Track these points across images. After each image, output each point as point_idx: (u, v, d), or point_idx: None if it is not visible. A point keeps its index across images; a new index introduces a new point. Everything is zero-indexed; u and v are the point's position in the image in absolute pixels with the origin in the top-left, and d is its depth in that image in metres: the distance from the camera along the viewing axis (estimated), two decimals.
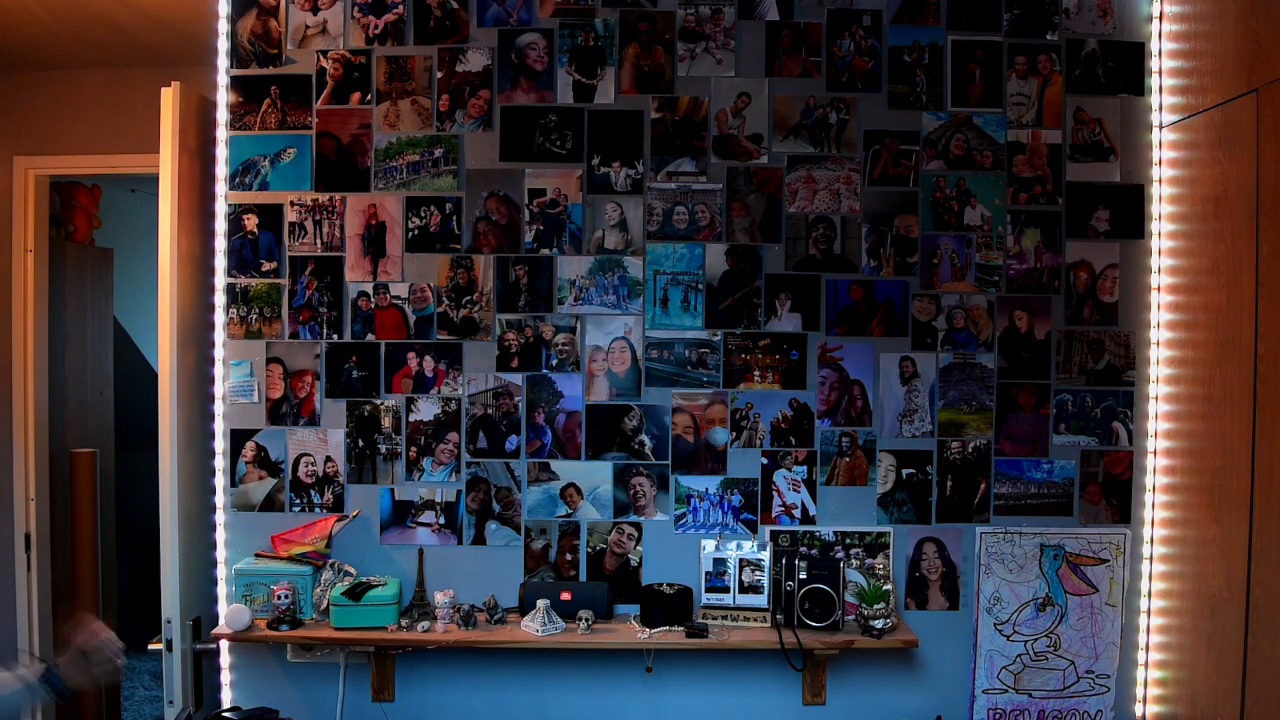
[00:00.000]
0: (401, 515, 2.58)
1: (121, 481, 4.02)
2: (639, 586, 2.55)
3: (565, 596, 2.43)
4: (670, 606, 2.43)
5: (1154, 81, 2.57)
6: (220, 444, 2.58)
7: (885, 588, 2.45)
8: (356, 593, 2.39)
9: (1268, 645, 2.05)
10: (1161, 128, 2.56)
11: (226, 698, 2.57)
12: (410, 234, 2.58)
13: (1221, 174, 2.28)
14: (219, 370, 2.59)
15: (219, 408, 2.59)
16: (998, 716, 2.57)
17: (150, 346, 4.63)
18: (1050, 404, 2.57)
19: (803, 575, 2.43)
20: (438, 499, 2.58)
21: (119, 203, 4.41)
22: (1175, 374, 2.49)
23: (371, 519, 2.59)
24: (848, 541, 2.57)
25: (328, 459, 2.58)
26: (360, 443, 2.58)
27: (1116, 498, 2.57)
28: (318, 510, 2.58)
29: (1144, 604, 2.56)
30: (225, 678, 2.57)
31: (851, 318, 2.57)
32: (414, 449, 2.58)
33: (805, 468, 2.57)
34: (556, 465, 2.58)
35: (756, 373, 2.57)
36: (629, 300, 2.57)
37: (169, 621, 2.51)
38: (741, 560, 2.50)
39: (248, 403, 2.59)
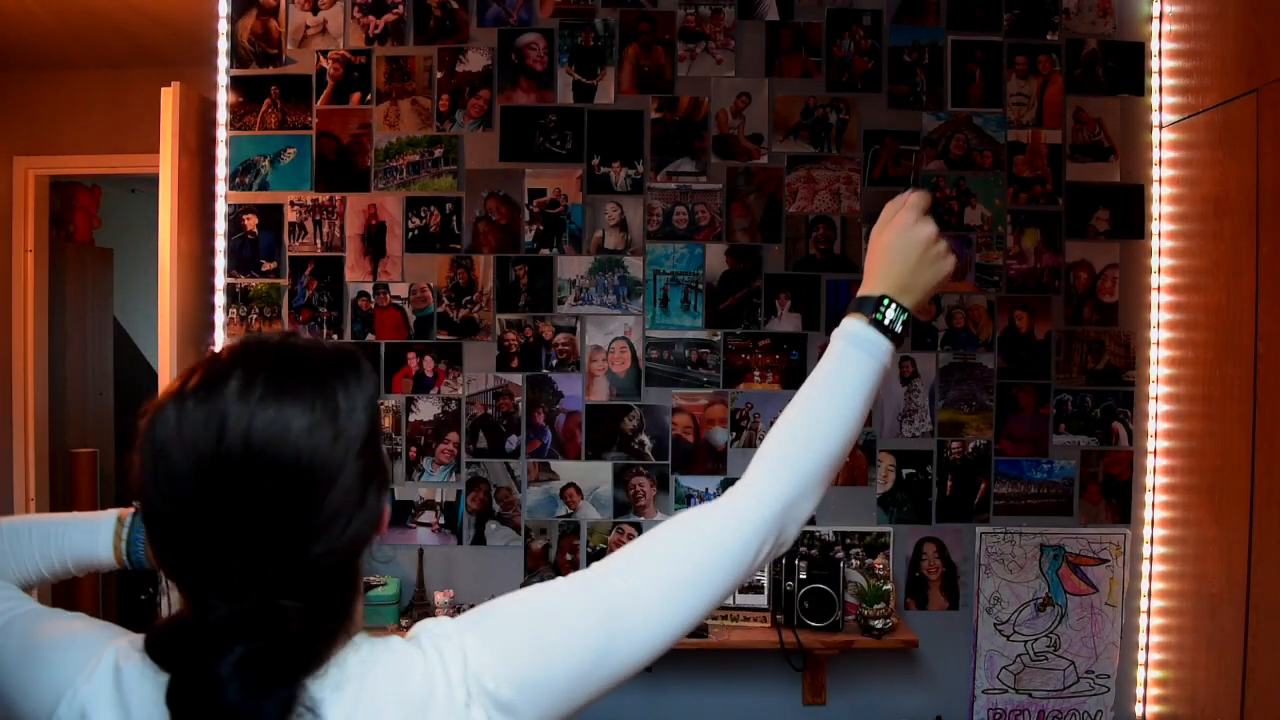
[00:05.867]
0: (401, 515, 2.58)
1: (121, 481, 4.02)
2: None
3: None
4: None
5: (1154, 81, 2.57)
6: None
7: (885, 588, 2.45)
8: None
9: (1268, 645, 2.05)
10: (1161, 128, 2.56)
11: None
12: (410, 234, 2.58)
13: (1221, 174, 2.28)
14: None
15: None
16: (998, 716, 2.57)
17: (150, 346, 4.63)
18: (1050, 404, 2.57)
19: (802, 575, 2.43)
20: (438, 499, 2.58)
21: (119, 203, 4.42)
22: (1175, 374, 2.49)
23: None
24: (847, 541, 2.57)
25: None
26: None
27: (1116, 498, 2.57)
28: None
29: (1144, 604, 2.56)
30: None
31: None
32: (414, 449, 2.58)
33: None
34: (556, 465, 2.58)
35: (756, 373, 2.57)
36: (629, 300, 2.57)
37: None
38: None
39: None
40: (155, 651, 0.70)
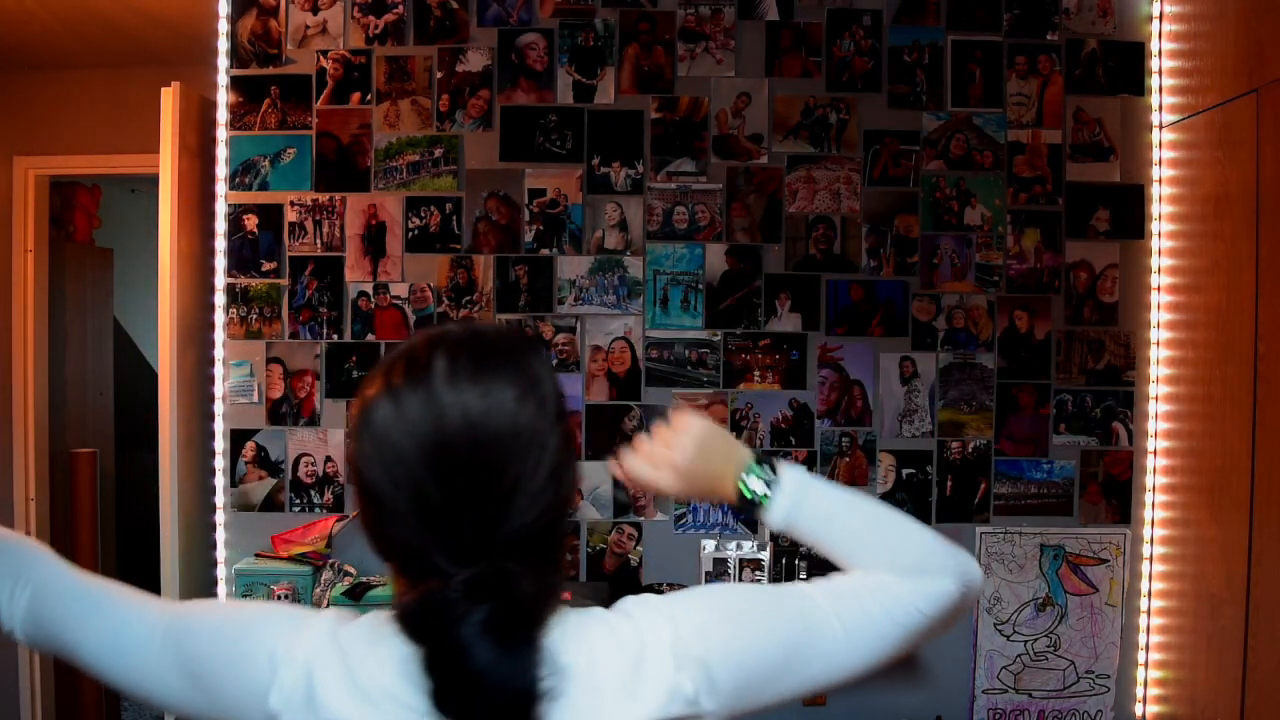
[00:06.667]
0: None
1: (121, 481, 4.02)
2: (639, 587, 2.55)
3: (565, 597, 2.43)
4: None
5: (1154, 81, 2.57)
6: (220, 444, 2.58)
7: None
8: (356, 593, 2.39)
9: (1268, 645, 2.05)
10: (1161, 128, 2.56)
11: None
12: (410, 234, 2.58)
13: (1221, 174, 2.28)
14: (219, 370, 2.59)
15: (219, 408, 2.59)
16: (998, 716, 2.57)
17: (150, 346, 4.63)
18: (1050, 404, 2.57)
19: (802, 575, 2.43)
20: None
21: (119, 203, 4.41)
22: (1175, 374, 2.49)
23: None
24: None
25: (328, 459, 2.58)
26: None
27: (1116, 498, 2.57)
28: (318, 510, 2.58)
29: (1144, 604, 2.56)
30: None
31: (851, 318, 2.57)
32: None
33: (805, 467, 2.56)
34: None
35: (756, 373, 2.57)
36: (629, 300, 2.57)
37: None
38: (742, 560, 2.50)
39: (248, 403, 2.58)
40: (405, 626, 0.72)
